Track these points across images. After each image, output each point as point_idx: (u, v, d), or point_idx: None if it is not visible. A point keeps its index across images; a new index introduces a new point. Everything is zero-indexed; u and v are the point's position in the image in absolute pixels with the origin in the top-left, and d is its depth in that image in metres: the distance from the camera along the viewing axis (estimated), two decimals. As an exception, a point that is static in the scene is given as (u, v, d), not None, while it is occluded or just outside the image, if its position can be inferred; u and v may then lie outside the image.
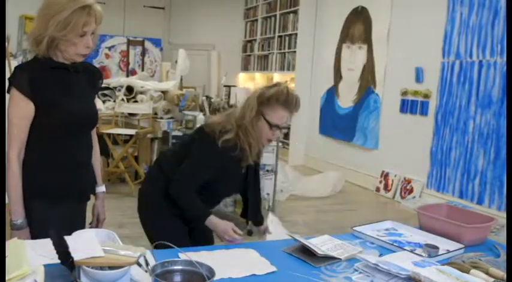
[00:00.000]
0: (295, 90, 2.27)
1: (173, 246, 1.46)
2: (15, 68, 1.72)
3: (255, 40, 9.30)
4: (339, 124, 6.75)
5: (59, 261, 1.33)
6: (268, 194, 4.37)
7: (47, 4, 1.67)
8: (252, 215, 2.26)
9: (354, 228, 2.02)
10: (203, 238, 2.12)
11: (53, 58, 1.72)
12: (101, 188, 2.05)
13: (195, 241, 2.05)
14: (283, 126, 2.00)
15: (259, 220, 2.28)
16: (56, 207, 1.75)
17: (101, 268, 1.33)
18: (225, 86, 8.02)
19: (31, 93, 1.67)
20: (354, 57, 6.51)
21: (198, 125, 4.05)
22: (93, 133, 1.97)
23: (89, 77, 1.87)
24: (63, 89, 1.74)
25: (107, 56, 9.06)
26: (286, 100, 1.96)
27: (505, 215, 3.68)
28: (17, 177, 1.68)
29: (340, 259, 1.70)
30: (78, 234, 1.53)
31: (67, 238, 1.36)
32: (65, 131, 1.76)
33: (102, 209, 2.04)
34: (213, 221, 1.96)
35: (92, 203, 2.03)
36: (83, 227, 1.91)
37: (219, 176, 2.01)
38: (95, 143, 1.99)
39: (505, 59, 4.40)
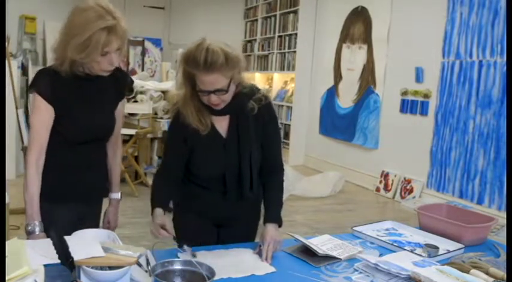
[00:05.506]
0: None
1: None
2: (40, 71, 1.71)
3: (255, 40, 9.30)
4: (339, 124, 6.75)
5: (59, 261, 1.33)
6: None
7: (66, 25, 1.62)
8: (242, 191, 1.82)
9: (354, 228, 2.02)
10: (231, 239, 1.85)
11: (78, 73, 1.68)
12: (115, 195, 1.98)
13: (219, 241, 1.89)
14: (209, 90, 1.66)
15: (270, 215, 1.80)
16: (55, 207, 1.72)
17: (101, 268, 1.33)
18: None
19: (51, 98, 1.66)
20: (354, 57, 6.51)
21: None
22: (116, 138, 1.93)
23: (116, 84, 1.81)
24: (81, 99, 1.72)
25: (107, 56, 9.05)
26: (194, 60, 1.66)
27: (505, 215, 3.68)
28: (32, 181, 1.66)
29: (340, 259, 1.70)
30: (78, 234, 1.53)
31: (67, 238, 1.36)
32: (72, 140, 1.74)
33: (114, 217, 1.98)
34: (155, 213, 1.74)
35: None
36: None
37: (193, 148, 1.79)
38: (117, 149, 1.95)
39: (505, 59, 4.40)
